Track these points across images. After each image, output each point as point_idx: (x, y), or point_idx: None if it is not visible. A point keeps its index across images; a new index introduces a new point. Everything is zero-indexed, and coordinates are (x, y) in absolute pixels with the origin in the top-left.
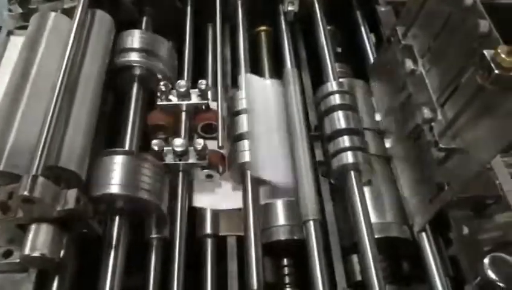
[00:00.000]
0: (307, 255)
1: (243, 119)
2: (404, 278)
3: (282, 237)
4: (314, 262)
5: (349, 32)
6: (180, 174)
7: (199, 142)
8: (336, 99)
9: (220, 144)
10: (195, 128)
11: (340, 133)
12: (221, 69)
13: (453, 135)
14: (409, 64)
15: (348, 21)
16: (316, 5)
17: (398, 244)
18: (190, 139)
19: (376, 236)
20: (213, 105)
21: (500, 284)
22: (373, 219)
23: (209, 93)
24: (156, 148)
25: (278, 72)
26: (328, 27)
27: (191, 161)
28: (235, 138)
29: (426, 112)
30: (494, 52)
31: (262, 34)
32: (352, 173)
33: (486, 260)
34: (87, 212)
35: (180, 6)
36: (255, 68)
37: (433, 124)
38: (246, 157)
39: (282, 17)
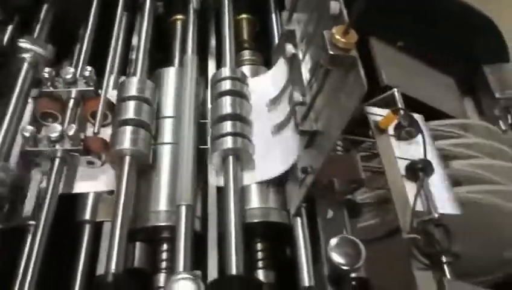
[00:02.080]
0: (175, 240)
1: (129, 105)
2: (284, 263)
3: (156, 223)
4: (180, 247)
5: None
6: (57, 160)
7: (70, 128)
8: (226, 85)
9: (96, 130)
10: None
11: (224, 118)
12: (112, 56)
13: (315, 118)
14: (289, 48)
15: (263, 9)
16: None
17: (280, 230)
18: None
19: (255, 221)
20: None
21: (343, 267)
22: (256, 204)
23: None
24: (27, 134)
25: None
26: (245, 15)
27: (65, 147)
28: (118, 123)
29: (296, 96)
30: (330, 33)
31: (178, 22)
32: (230, 158)
33: (332, 241)
34: None
35: None
36: (167, 56)
37: (297, 107)
38: (125, 143)
39: (191, 5)
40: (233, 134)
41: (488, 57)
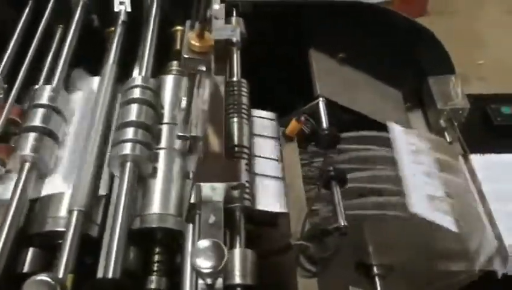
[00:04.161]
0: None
1: (38, 113)
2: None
3: (52, 228)
4: (64, 251)
5: None
6: None
7: None
8: (135, 93)
9: None
10: None
11: (127, 125)
12: (27, 65)
13: (195, 123)
14: None
15: None
16: (155, 5)
17: (178, 237)
18: None
19: (152, 226)
20: None
21: (202, 270)
22: (156, 209)
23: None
24: None
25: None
26: (179, 27)
27: None
28: (24, 129)
29: (183, 103)
30: (186, 37)
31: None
32: (128, 164)
33: (198, 245)
34: None
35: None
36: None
37: (178, 114)
38: (27, 149)
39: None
40: (133, 141)
41: (435, 69)
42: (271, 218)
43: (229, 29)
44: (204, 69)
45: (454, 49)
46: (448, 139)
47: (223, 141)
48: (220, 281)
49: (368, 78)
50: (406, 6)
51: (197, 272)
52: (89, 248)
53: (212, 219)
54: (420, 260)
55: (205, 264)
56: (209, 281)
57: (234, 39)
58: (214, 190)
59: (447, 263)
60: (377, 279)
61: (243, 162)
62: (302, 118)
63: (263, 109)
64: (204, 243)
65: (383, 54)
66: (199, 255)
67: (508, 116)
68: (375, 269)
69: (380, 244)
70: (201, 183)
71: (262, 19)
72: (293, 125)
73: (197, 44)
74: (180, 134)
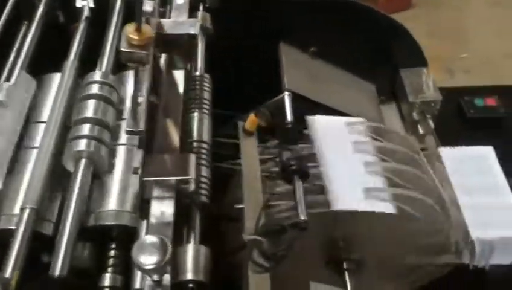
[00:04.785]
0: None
1: None
2: None
3: (5, 226)
4: (13, 251)
5: None
6: None
7: None
8: (93, 88)
9: None
10: None
11: (83, 121)
12: None
13: (142, 117)
14: None
15: None
16: (119, 1)
17: (134, 233)
18: None
19: (106, 223)
20: None
21: (146, 268)
22: (112, 206)
23: None
24: None
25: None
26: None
27: None
28: None
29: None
30: (124, 31)
31: None
32: (82, 161)
33: (140, 241)
34: None
35: None
36: None
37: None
38: None
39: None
40: (89, 137)
41: (407, 62)
42: None
43: (188, 23)
44: (144, 62)
45: (439, 42)
46: (421, 132)
47: (178, 135)
48: (167, 278)
49: (340, 72)
50: None
51: (139, 269)
52: (44, 246)
53: (161, 215)
54: (391, 254)
55: (147, 260)
56: (155, 277)
57: (194, 34)
58: (162, 185)
59: (418, 257)
60: (347, 274)
61: (193, 156)
62: (259, 112)
63: (231, 104)
64: (147, 239)
65: (356, 47)
66: (142, 251)
67: (481, 109)
68: (345, 264)
69: (348, 240)
70: (150, 178)
71: (230, 14)
72: (251, 119)
73: (135, 37)
74: (128, 129)
